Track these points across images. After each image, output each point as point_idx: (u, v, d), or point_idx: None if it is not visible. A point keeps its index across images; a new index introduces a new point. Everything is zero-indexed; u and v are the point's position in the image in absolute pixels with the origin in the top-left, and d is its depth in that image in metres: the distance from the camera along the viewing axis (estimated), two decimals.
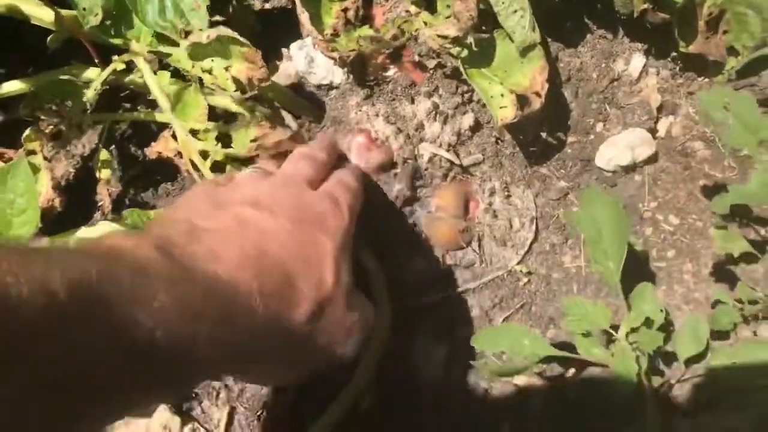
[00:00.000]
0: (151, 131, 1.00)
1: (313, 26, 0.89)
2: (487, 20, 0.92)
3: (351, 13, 0.92)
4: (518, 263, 0.99)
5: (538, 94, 0.92)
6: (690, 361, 0.79)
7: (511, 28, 0.91)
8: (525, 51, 0.92)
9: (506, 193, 0.99)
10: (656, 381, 0.79)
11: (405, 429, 0.92)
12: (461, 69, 0.89)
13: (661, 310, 0.76)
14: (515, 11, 0.90)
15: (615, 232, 0.76)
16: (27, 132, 0.86)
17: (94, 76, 0.92)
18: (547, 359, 0.83)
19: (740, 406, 0.74)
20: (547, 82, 0.92)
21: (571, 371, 0.90)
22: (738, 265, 0.95)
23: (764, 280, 0.92)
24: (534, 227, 1.01)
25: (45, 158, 0.84)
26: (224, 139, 0.86)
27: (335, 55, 0.89)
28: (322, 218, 0.70)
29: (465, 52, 0.89)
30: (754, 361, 0.70)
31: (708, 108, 0.76)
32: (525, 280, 1.00)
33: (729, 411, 0.75)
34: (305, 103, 0.97)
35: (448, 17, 0.87)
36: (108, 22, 0.88)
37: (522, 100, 0.88)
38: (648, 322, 0.73)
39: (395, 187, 0.92)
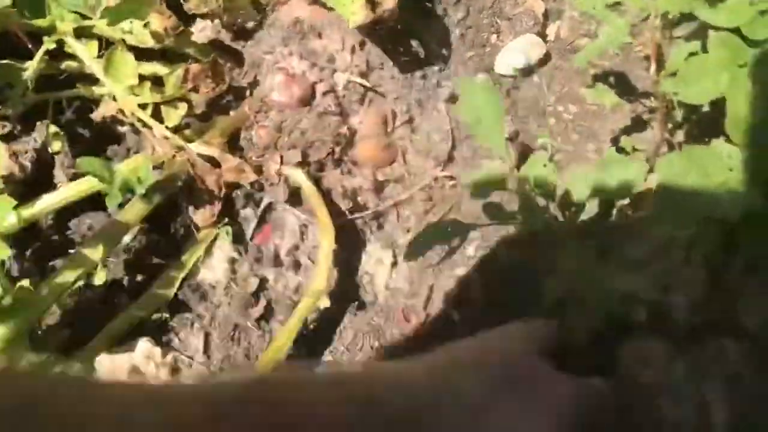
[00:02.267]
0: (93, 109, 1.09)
1: None
2: None
3: None
4: (442, 171, 1.11)
5: None
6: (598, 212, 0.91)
7: None
8: None
9: (420, 109, 1.11)
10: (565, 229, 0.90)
11: (359, 324, 1.03)
12: None
13: (554, 169, 0.88)
14: None
15: (494, 113, 0.87)
16: None
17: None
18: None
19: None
20: None
21: (496, 245, 1.01)
22: (630, 135, 1.07)
23: (653, 142, 1.04)
24: (451, 137, 1.12)
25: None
26: (158, 87, 0.96)
27: (206, 10, 1.00)
28: None
29: None
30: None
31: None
32: (449, 185, 1.11)
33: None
34: (224, 54, 1.07)
35: None
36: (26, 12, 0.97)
37: (374, 4, 0.97)
38: (535, 170, 0.85)
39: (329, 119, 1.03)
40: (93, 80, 1.01)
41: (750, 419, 0.79)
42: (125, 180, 0.86)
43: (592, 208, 0.94)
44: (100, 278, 0.88)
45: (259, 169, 0.98)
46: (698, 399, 0.81)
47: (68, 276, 0.85)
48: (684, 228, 0.74)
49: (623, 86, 1.06)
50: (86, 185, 0.94)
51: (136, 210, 0.91)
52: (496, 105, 0.86)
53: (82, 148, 1.07)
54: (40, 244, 1.05)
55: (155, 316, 0.98)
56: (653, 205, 0.73)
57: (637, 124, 1.05)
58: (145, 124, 0.95)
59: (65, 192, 0.94)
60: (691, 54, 0.80)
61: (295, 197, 1.03)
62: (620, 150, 1.02)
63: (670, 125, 0.90)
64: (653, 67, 0.84)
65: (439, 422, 0.50)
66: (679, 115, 0.87)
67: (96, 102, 1.02)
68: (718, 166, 0.76)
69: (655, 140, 0.90)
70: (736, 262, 0.78)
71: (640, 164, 0.79)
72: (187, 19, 1.08)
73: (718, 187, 0.73)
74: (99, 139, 1.07)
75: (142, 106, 0.95)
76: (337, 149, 1.03)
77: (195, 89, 0.95)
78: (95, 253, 0.86)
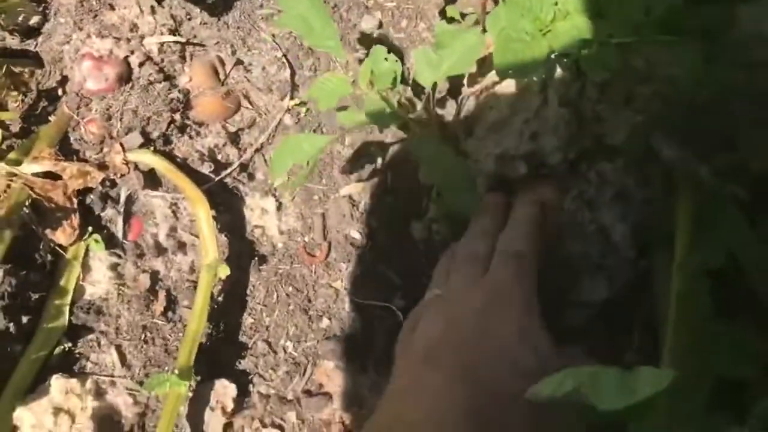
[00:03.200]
0: None
1: None
2: None
3: None
4: (291, 99, 1.07)
5: None
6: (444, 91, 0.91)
7: None
8: None
9: (246, 46, 1.06)
10: (421, 118, 0.90)
11: (267, 278, 1.01)
12: None
13: (396, 60, 0.87)
14: None
15: (319, 14, 0.84)
16: None
17: None
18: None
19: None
20: None
21: (372, 154, 1.00)
22: (455, 2, 1.07)
23: (478, 2, 1.04)
24: (287, 63, 1.08)
25: None
26: None
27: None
28: None
29: None
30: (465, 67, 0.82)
31: None
32: (304, 110, 1.08)
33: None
34: (19, 60, 0.97)
35: None
36: None
37: None
38: (378, 69, 0.83)
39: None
40: None
41: (643, 225, 0.83)
42: None
43: (443, 88, 0.94)
44: None
45: (103, 166, 0.92)
46: (594, 226, 0.84)
47: None
48: (527, 76, 0.74)
49: None
50: None
51: None
52: (321, 8, 0.83)
53: None
54: None
55: (57, 350, 0.92)
56: (495, 65, 0.73)
57: None
58: None
59: None
60: None
61: (152, 180, 0.98)
62: (450, 21, 1.02)
63: None
64: None
65: None
66: None
67: None
68: (543, 3, 0.77)
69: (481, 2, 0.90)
70: (588, 89, 0.80)
71: (476, 31, 0.79)
72: None
73: (549, 27, 0.74)
74: None
75: None
76: (177, 116, 0.98)
77: (1, 108, 0.87)
78: None
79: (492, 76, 0.89)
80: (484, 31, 0.96)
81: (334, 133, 1.08)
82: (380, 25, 1.10)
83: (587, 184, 0.86)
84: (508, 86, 0.90)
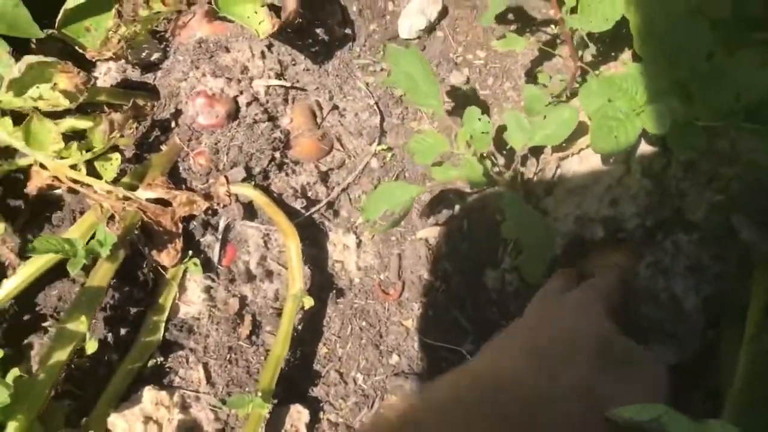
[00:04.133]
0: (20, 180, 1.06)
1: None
2: None
3: (127, 10, 1.00)
4: (378, 145, 1.14)
5: None
6: (532, 155, 0.97)
7: None
8: None
9: (342, 93, 1.13)
10: (509, 177, 0.96)
11: (343, 310, 1.07)
12: (218, 8, 0.99)
13: (488, 121, 0.93)
14: None
15: (425, 74, 0.91)
16: None
17: None
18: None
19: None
20: None
21: (451, 202, 1.06)
22: (542, 64, 1.13)
23: (564, 67, 1.10)
24: (377, 110, 1.15)
25: None
26: (84, 145, 0.95)
27: (116, 57, 1.00)
28: None
29: None
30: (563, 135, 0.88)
31: None
32: (390, 155, 1.15)
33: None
34: (140, 93, 1.06)
35: None
36: None
37: (276, 9, 0.99)
38: (475, 131, 0.90)
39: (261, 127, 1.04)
40: (13, 153, 0.99)
41: (715, 298, 0.87)
42: (88, 248, 0.86)
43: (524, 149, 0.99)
44: (91, 347, 0.88)
45: (208, 196, 0.99)
46: (667, 294, 0.89)
47: (60, 355, 0.85)
48: (620, 151, 0.80)
49: (523, 20, 1.11)
50: (44, 260, 0.93)
51: (104, 272, 0.91)
52: (428, 69, 0.90)
53: (23, 222, 1.05)
54: (6, 326, 1.04)
55: (150, 363, 0.99)
56: (591, 141, 0.78)
57: (545, 54, 1.10)
58: (83, 184, 0.94)
59: (25, 271, 0.93)
60: None
61: (250, 211, 1.05)
62: (536, 83, 1.08)
63: (580, 53, 0.95)
64: (553, 4, 0.88)
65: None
66: (586, 41, 0.92)
67: (23, 172, 1.01)
68: (638, 85, 0.82)
69: (570, 71, 0.96)
70: (672, 165, 0.85)
71: (571, 109, 0.84)
72: (87, 65, 1.07)
73: (642, 108, 0.79)
74: (38, 208, 1.05)
75: (74, 167, 0.94)
76: (276, 154, 1.05)
77: (121, 135, 0.95)
78: (80, 325, 0.86)
79: (579, 143, 0.95)
80: (571, 96, 1.02)
81: (415, 179, 1.14)
82: (467, 81, 1.16)
83: (663, 253, 0.90)
84: (592, 152, 0.95)
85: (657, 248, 0.91)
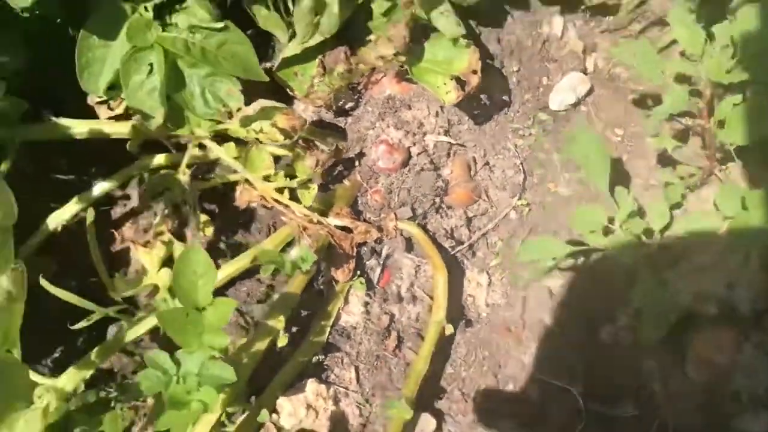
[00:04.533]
0: (218, 191, 1.27)
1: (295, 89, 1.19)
2: (418, 30, 1.19)
3: (329, 62, 1.20)
4: (518, 200, 1.31)
5: (475, 72, 1.19)
6: (662, 231, 1.13)
7: (443, 28, 1.18)
8: (455, 42, 1.18)
9: (494, 151, 1.31)
10: (644, 250, 1.12)
11: (469, 339, 1.25)
12: (411, 74, 1.18)
13: (635, 206, 1.09)
14: (442, 13, 1.18)
15: (603, 159, 1.08)
16: (156, 220, 1.13)
17: (165, 161, 1.20)
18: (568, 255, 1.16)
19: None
20: (483, 62, 1.19)
21: (581, 260, 1.23)
22: (674, 150, 1.28)
23: (694, 156, 1.25)
24: (522, 170, 1.32)
25: (171, 232, 1.12)
26: (289, 173, 1.16)
27: (323, 104, 1.20)
28: None
29: (408, 59, 1.17)
30: (701, 228, 1.04)
31: (620, 57, 1.09)
32: (526, 210, 1.32)
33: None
34: (331, 132, 1.26)
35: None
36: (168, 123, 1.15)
37: (461, 82, 1.16)
38: (631, 214, 1.06)
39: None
40: (228, 170, 1.20)
41: None
42: (294, 263, 1.06)
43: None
44: (282, 341, 1.08)
45: (380, 228, 1.18)
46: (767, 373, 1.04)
47: (260, 345, 1.06)
48: (755, 246, 0.95)
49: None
50: (244, 261, 1.14)
51: (299, 282, 1.12)
52: (605, 155, 1.07)
53: (227, 228, 1.26)
54: None
55: (314, 359, 1.19)
56: (727, 236, 0.94)
57: (679, 140, 1.26)
58: (284, 205, 1.14)
59: (227, 269, 1.14)
60: (736, 104, 1.01)
61: (408, 244, 1.24)
62: (669, 166, 1.24)
63: (718, 155, 1.11)
64: (704, 114, 1.04)
65: None
66: (730, 151, 1.07)
67: (230, 186, 1.22)
68: None
69: (704, 165, 1.11)
70: None
71: (718, 217, 0.99)
72: (287, 100, 1.27)
73: None
74: (238, 217, 1.27)
75: (279, 191, 1.15)
76: (437, 199, 1.24)
77: (322, 171, 1.15)
78: (278, 323, 1.06)
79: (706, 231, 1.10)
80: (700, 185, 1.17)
81: (546, 232, 1.31)
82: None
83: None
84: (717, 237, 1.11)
85: (764, 331, 1.06)
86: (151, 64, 1.12)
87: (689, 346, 1.14)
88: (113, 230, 1.24)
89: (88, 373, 1.08)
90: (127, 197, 1.35)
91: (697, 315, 1.11)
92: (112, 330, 1.29)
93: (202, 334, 0.94)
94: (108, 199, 1.27)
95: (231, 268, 1.15)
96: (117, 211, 1.36)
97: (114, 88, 1.15)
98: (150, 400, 1.24)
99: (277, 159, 1.20)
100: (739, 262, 1.07)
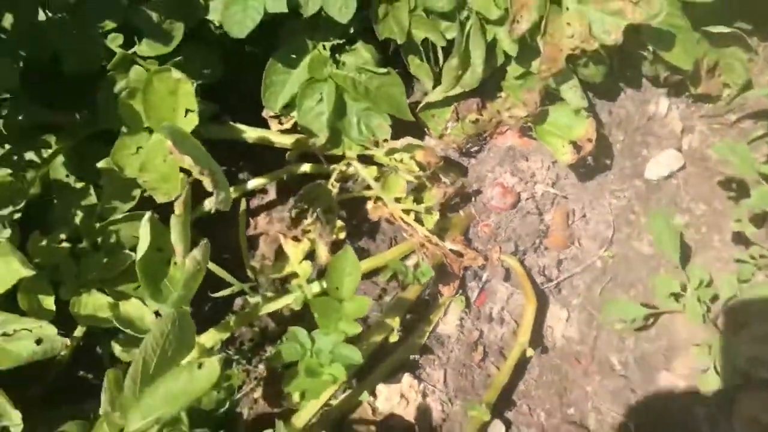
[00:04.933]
0: (352, 202, 1.51)
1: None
2: (545, 95, 1.41)
3: (462, 110, 1.42)
4: (605, 251, 1.51)
5: (590, 140, 1.40)
6: (729, 300, 1.31)
7: (569, 99, 1.40)
8: (578, 112, 1.40)
9: (591, 206, 1.51)
10: (709, 315, 1.31)
11: (543, 363, 1.45)
12: (534, 133, 1.39)
13: (708, 278, 1.28)
14: (570, 87, 1.39)
15: (671, 233, 1.27)
16: (308, 221, 1.37)
17: (310, 170, 1.44)
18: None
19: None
20: (596, 131, 1.40)
21: (650, 320, 1.41)
22: (748, 231, 1.46)
23: (766, 239, 1.42)
24: (612, 226, 1.52)
25: (320, 234, 1.36)
26: (416, 198, 1.38)
27: (453, 145, 1.42)
28: None
29: (534, 120, 1.39)
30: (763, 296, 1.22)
31: (720, 153, 1.28)
32: (610, 261, 1.51)
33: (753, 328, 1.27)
34: (454, 168, 1.48)
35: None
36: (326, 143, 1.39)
37: (577, 147, 1.37)
38: (701, 284, 1.25)
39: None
40: (364, 186, 1.44)
41: None
42: (415, 274, 1.29)
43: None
44: (394, 338, 1.30)
45: (486, 257, 1.40)
46: None
47: (376, 338, 1.29)
48: None
49: (742, 191, 1.44)
50: (371, 264, 1.36)
51: (414, 291, 1.34)
52: (674, 234, 1.26)
53: (356, 235, 1.49)
54: None
55: (411, 357, 1.41)
56: None
57: (755, 224, 1.43)
58: (409, 225, 1.36)
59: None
60: None
61: (506, 274, 1.45)
62: (741, 241, 1.41)
63: None
64: None
65: None
66: None
67: (362, 200, 1.45)
68: None
69: None
70: None
71: None
72: (420, 134, 1.50)
73: None
74: (365, 227, 1.50)
75: (406, 212, 1.37)
76: (537, 240, 1.44)
77: (445, 203, 1.37)
78: (393, 322, 1.29)
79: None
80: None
81: (624, 285, 1.50)
82: (686, 225, 1.51)
83: None
84: None
85: None
86: (321, 93, 1.37)
87: (739, 402, 1.32)
88: (250, 218, 1.50)
89: (225, 335, 1.32)
90: (265, 192, 1.62)
91: (750, 376, 1.28)
92: (238, 302, 1.54)
93: (339, 321, 1.17)
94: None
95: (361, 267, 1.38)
96: (254, 203, 1.62)
97: (287, 107, 1.40)
98: (261, 367, 1.49)
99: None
100: None
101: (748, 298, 1.29)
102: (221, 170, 1.11)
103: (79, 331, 1.30)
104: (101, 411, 1.03)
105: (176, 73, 1.14)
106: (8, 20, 1.20)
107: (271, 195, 1.65)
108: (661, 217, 1.29)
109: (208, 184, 1.03)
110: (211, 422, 1.25)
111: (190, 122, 1.18)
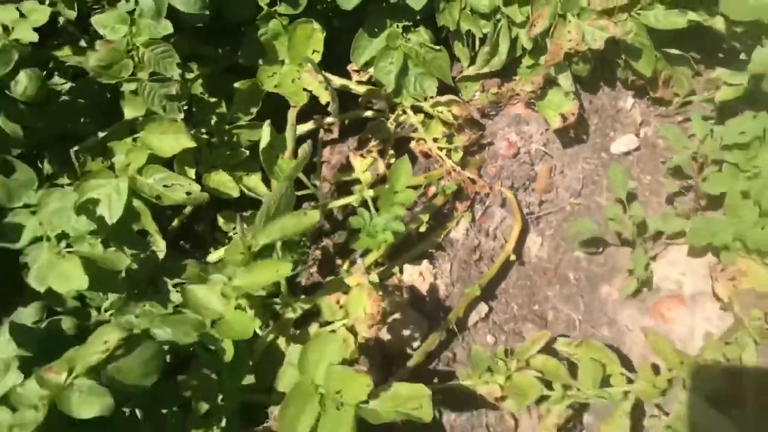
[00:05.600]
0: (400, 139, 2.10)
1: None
2: (546, 80, 2.01)
3: (487, 84, 2.03)
4: (574, 199, 2.10)
5: (573, 114, 1.99)
6: (655, 233, 1.92)
7: (562, 84, 1.99)
8: (567, 94, 1.99)
9: (568, 166, 2.11)
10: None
11: (519, 275, 2.05)
12: (536, 106, 2.00)
13: (642, 216, 1.88)
14: (565, 76, 1.99)
15: (623, 178, 1.87)
16: (373, 143, 1.95)
17: (371, 114, 2.03)
18: None
19: None
20: (578, 111, 2.00)
21: (600, 249, 2.02)
22: (671, 188, 2.06)
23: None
24: (581, 182, 2.12)
25: (380, 153, 1.95)
26: (448, 140, 1.98)
27: (477, 108, 2.02)
28: None
29: (536, 96, 1.99)
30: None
31: (663, 132, 1.88)
32: (577, 207, 2.11)
33: None
34: (477, 124, 2.08)
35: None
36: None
37: (564, 118, 1.97)
38: (636, 216, 1.86)
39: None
40: (411, 129, 2.03)
41: None
42: (443, 187, 1.88)
43: None
44: (423, 228, 1.88)
45: (490, 187, 2.00)
46: None
47: (411, 225, 1.87)
48: None
49: (678, 171, 2.04)
50: (417, 180, 1.95)
51: (439, 200, 1.93)
52: (625, 182, 1.86)
53: None
54: None
55: (430, 250, 2.00)
56: None
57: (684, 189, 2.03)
58: (440, 156, 1.96)
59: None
60: (713, 171, 1.79)
61: (503, 202, 2.05)
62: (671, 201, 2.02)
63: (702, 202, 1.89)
64: (695, 173, 1.82)
65: None
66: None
67: (407, 139, 2.05)
68: None
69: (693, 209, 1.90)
70: None
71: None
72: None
73: None
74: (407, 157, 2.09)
75: (440, 149, 1.97)
76: (527, 182, 2.05)
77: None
78: (425, 217, 1.88)
79: None
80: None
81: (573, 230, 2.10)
82: (634, 189, 2.11)
83: None
84: None
85: None
86: (392, 58, 1.97)
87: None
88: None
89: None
90: (331, 131, 2.21)
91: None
92: (305, 205, 2.13)
93: (392, 206, 1.76)
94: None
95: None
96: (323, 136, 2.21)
97: (366, 65, 2.00)
98: (317, 252, 2.07)
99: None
100: None
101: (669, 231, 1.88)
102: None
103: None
104: (238, 234, 1.61)
105: (315, 25, 1.74)
106: None
107: (335, 134, 2.24)
108: (618, 168, 1.89)
109: (327, 95, 1.63)
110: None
111: (316, 58, 1.77)
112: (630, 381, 1.63)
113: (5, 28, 1.50)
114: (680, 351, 1.62)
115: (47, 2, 1.67)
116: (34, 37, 1.54)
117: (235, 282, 1.52)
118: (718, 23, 1.93)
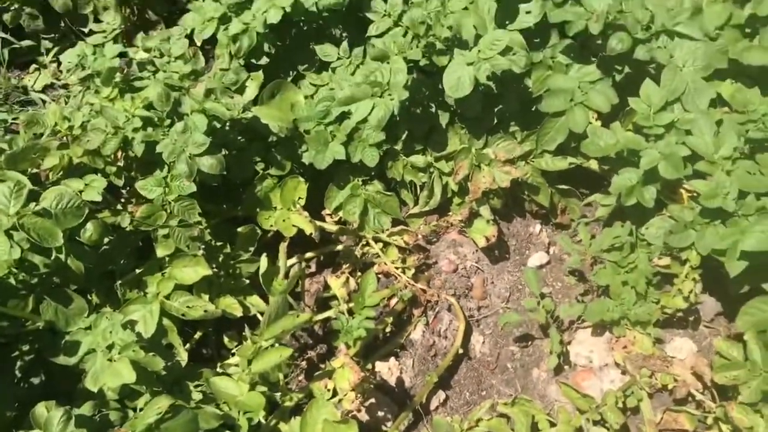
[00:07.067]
0: (365, 263, 2.68)
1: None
2: (472, 213, 2.66)
3: (428, 219, 2.68)
4: (505, 304, 2.68)
5: (494, 236, 2.63)
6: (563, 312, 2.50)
7: (484, 214, 2.65)
8: (488, 221, 2.63)
9: (497, 278, 2.72)
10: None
11: (466, 370, 2.58)
12: (466, 232, 2.64)
13: (553, 305, 2.47)
14: (485, 209, 2.65)
15: (536, 278, 2.47)
16: (344, 267, 2.52)
17: (342, 248, 2.64)
18: None
19: None
20: (498, 233, 2.64)
21: (529, 342, 2.58)
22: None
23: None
24: (509, 290, 2.71)
25: (350, 274, 2.52)
26: (403, 261, 2.58)
27: (423, 236, 2.66)
28: None
29: (466, 224, 2.64)
30: None
31: (563, 244, 2.52)
32: (507, 310, 2.69)
33: None
34: (423, 248, 2.69)
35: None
36: None
37: (488, 239, 2.59)
38: (547, 304, 2.44)
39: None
40: (373, 255, 2.63)
41: None
42: (402, 296, 2.44)
43: None
44: (388, 328, 2.42)
45: (438, 295, 2.57)
46: None
47: (379, 327, 2.41)
48: None
49: (578, 275, 2.66)
50: (385, 293, 2.52)
51: (399, 307, 2.49)
52: (539, 282, 2.47)
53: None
54: None
55: (395, 349, 2.52)
56: None
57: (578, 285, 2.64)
58: (397, 274, 2.54)
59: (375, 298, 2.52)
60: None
61: (448, 307, 2.61)
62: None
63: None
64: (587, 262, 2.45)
65: None
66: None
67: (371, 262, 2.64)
68: None
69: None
70: None
71: None
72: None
73: None
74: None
75: (397, 268, 2.56)
76: (466, 291, 2.63)
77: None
78: (389, 320, 2.42)
79: None
80: None
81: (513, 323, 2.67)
82: (547, 293, 2.72)
83: None
84: None
85: None
86: (356, 202, 2.60)
87: None
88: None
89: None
90: (309, 267, 2.79)
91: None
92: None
93: (363, 309, 2.30)
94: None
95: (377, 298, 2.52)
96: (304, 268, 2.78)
97: (337, 209, 2.63)
98: (304, 363, 2.57)
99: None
100: None
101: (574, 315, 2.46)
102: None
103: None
104: (247, 337, 2.13)
105: (300, 178, 2.38)
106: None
107: (313, 268, 2.83)
108: (532, 271, 2.50)
109: (311, 227, 2.23)
110: None
111: (301, 203, 2.40)
112: (553, 424, 2.13)
113: (78, 192, 2.08)
114: (586, 395, 2.14)
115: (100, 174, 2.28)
116: (98, 198, 2.12)
117: (251, 368, 2.01)
118: (593, 164, 2.65)
